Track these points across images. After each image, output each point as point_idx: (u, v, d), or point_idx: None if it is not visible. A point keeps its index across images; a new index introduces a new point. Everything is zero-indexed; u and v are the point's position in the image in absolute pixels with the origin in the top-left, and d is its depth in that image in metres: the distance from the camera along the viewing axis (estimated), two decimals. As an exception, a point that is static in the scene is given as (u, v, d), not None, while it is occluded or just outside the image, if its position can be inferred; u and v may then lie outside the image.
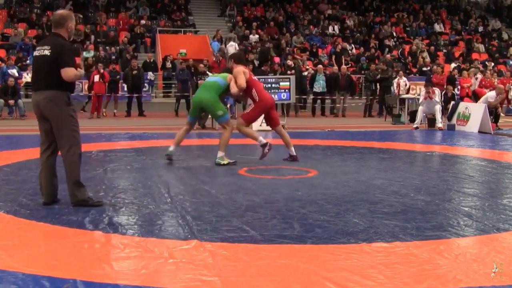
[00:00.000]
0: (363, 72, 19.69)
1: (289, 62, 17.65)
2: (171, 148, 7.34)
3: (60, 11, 5.06)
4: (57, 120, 4.68)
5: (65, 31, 4.78)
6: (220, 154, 7.14)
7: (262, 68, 17.15)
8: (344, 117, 16.97)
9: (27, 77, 16.31)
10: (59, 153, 4.87)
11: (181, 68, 16.92)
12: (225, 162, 7.08)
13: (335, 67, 18.21)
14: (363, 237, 3.85)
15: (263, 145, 7.21)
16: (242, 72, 7.16)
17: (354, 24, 25.39)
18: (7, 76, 15.29)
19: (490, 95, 13.19)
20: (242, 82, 7.11)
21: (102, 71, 15.55)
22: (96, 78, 15.43)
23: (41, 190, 4.85)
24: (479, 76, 18.23)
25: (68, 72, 4.58)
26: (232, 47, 20.82)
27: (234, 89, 7.17)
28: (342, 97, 17.34)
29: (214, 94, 7.20)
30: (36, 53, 4.80)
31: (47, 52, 4.65)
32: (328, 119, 16.22)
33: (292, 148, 7.46)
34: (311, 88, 17.43)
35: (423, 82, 15.04)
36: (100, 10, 23.57)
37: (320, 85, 17.07)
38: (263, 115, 7.72)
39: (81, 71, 4.97)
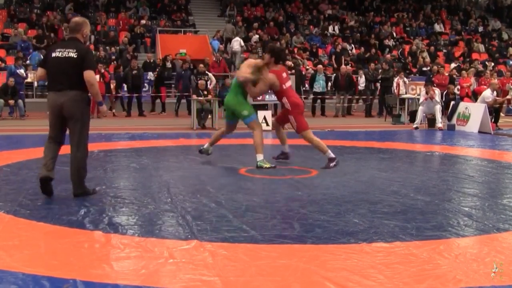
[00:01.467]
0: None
1: (289, 62, 17.65)
2: (206, 146, 7.54)
3: (76, 18, 5.29)
4: (79, 120, 5.00)
5: (81, 36, 5.07)
6: (260, 157, 6.83)
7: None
8: (344, 117, 16.98)
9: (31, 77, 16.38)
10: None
11: (184, 69, 16.90)
12: (267, 165, 6.76)
13: (344, 67, 18.15)
14: (363, 237, 3.85)
15: (331, 159, 6.92)
16: (247, 66, 6.93)
17: (354, 24, 25.38)
18: (15, 76, 15.27)
19: (486, 95, 13.14)
20: (242, 73, 6.85)
21: (102, 71, 15.55)
22: (96, 78, 15.41)
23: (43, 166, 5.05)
24: (472, 79, 18.17)
25: (90, 74, 4.89)
26: (237, 42, 20.86)
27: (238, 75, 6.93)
28: (342, 97, 17.36)
29: (235, 95, 6.98)
30: (57, 54, 4.96)
31: (72, 55, 4.88)
32: (328, 119, 16.22)
33: (287, 146, 7.44)
34: (311, 88, 17.44)
35: (423, 82, 15.03)
36: (100, 10, 23.57)
37: (320, 85, 17.07)
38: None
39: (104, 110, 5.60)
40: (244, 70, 6.88)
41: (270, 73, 6.86)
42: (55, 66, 4.98)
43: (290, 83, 7.15)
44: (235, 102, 6.99)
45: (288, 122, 7.31)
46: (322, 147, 7.01)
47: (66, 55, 4.90)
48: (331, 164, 6.90)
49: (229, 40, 21.93)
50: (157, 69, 17.85)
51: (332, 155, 6.95)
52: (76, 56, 4.87)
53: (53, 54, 4.98)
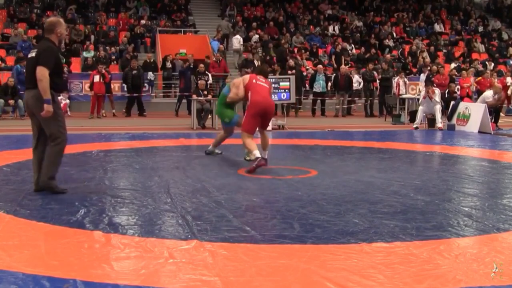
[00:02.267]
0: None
1: (291, 62, 17.65)
2: (210, 148, 8.08)
3: (50, 19, 5.51)
4: (43, 117, 5.04)
5: (55, 36, 5.24)
6: (253, 152, 6.85)
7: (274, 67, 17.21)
8: (344, 117, 16.99)
9: None
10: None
11: (186, 67, 16.90)
12: (249, 157, 7.06)
13: (343, 67, 18.16)
14: (363, 237, 3.85)
15: (256, 159, 6.64)
16: (233, 85, 7.33)
17: (357, 23, 25.38)
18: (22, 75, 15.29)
19: (487, 95, 13.17)
20: (231, 94, 7.33)
21: (103, 71, 15.56)
22: (96, 78, 15.43)
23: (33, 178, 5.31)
24: (472, 79, 18.15)
25: (40, 70, 4.97)
26: (237, 40, 20.89)
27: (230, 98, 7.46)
28: (342, 98, 17.36)
29: (220, 104, 7.89)
30: (29, 55, 5.31)
31: (33, 54, 5.14)
32: (328, 119, 16.22)
33: (266, 153, 6.96)
34: (311, 88, 17.44)
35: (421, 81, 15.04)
36: (100, 10, 23.55)
37: (320, 85, 17.08)
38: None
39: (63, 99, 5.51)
40: (232, 92, 7.41)
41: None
42: (26, 66, 5.32)
43: (262, 81, 7.02)
44: (218, 112, 8.06)
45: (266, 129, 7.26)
46: (250, 148, 6.74)
47: (31, 56, 5.18)
48: (255, 164, 6.58)
49: (226, 36, 21.98)
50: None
51: (258, 155, 6.60)
52: (35, 55, 5.09)
53: (28, 55, 5.31)
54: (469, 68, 20.09)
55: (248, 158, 7.18)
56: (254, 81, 7.01)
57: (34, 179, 5.27)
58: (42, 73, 4.98)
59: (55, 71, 5.15)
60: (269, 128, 11.38)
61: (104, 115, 15.92)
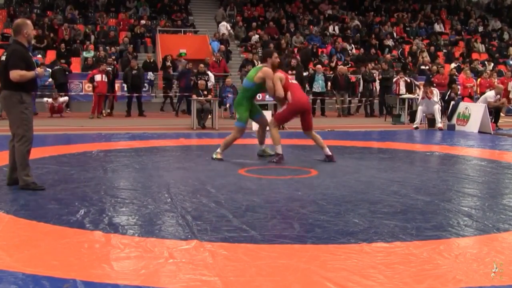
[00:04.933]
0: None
1: (293, 62, 17.63)
2: (262, 147, 7.96)
3: (17, 21, 5.67)
4: (10, 116, 5.38)
5: (23, 37, 5.44)
6: (219, 150, 7.54)
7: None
8: (346, 117, 17.00)
9: None
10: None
11: (185, 68, 16.88)
12: (215, 156, 7.47)
13: (342, 67, 18.17)
14: (363, 237, 3.85)
15: (277, 154, 7.33)
16: (279, 79, 7.32)
17: (354, 24, 25.38)
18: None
19: (489, 94, 13.20)
20: (280, 91, 7.29)
21: (106, 69, 15.57)
22: (98, 77, 15.43)
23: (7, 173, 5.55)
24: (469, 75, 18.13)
25: (13, 74, 5.22)
26: (224, 27, 21.00)
27: (277, 94, 7.36)
28: (342, 98, 17.36)
29: (241, 97, 7.68)
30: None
31: (3, 58, 5.36)
32: (328, 119, 16.22)
33: (327, 149, 7.53)
34: (311, 88, 17.44)
35: (423, 82, 15.04)
36: (100, 10, 23.54)
37: (319, 85, 17.07)
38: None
39: (41, 71, 5.69)
40: (279, 88, 7.31)
41: (276, 73, 7.40)
42: None
43: (294, 80, 7.68)
44: (236, 104, 7.76)
45: (311, 128, 7.61)
46: (276, 142, 7.35)
47: (2, 59, 5.37)
48: (275, 159, 7.29)
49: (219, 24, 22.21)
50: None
51: (280, 152, 7.28)
52: (4, 59, 5.33)
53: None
54: (469, 68, 20.09)
55: (215, 156, 7.42)
56: (289, 80, 7.47)
57: (7, 175, 5.53)
58: (15, 75, 5.21)
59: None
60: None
61: (104, 115, 15.92)
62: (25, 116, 5.35)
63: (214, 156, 7.51)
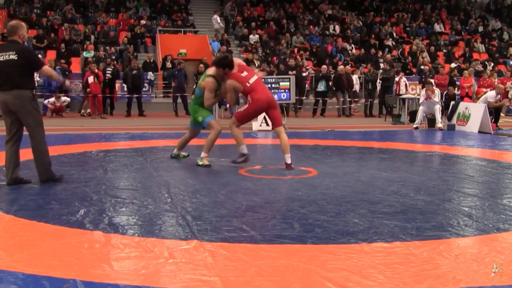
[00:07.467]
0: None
1: (292, 62, 17.64)
2: (175, 152, 7.73)
3: (12, 22, 5.70)
4: (24, 115, 5.38)
5: (18, 38, 5.45)
6: (203, 154, 7.10)
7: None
8: (348, 117, 17.00)
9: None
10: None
11: (179, 69, 16.90)
12: (201, 163, 7.02)
13: (342, 67, 18.17)
14: (363, 237, 3.85)
15: (242, 155, 6.98)
16: (232, 88, 6.92)
17: (354, 24, 25.38)
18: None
19: (490, 95, 13.21)
20: (207, 102, 7.05)
21: (96, 71, 15.58)
22: (91, 79, 15.45)
23: (6, 173, 5.56)
24: (472, 79, 18.14)
25: (47, 69, 5.56)
26: (215, 20, 21.00)
27: (205, 104, 7.12)
28: (342, 99, 17.36)
29: (194, 103, 7.37)
30: (1, 57, 5.38)
31: (13, 57, 5.31)
32: (328, 119, 16.22)
33: (288, 155, 6.84)
34: (315, 88, 17.47)
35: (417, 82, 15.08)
36: (100, 10, 23.55)
37: (322, 84, 17.10)
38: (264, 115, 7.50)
39: (68, 83, 5.75)
40: (207, 98, 7.06)
41: (228, 79, 6.93)
42: (3, 68, 5.38)
43: (255, 78, 6.98)
44: (193, 110, 7.40)
45: (280, 124, 7.11)
46: (239, 142, 7.01)
47: (7, 58, 5.32)
48: (239, 160, 7.00)
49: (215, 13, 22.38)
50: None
51: (245, 151, 6.95)
52: (17, 58, 5.30)
53: (1, 57, 5.40)
54: (469, 68, 20.10)
55: (201, 163, 7.00)
56: (252, 77, 6.96)
57: (8, 173, 5.51)
58: (48, 71, 5.56)
59: (33, 71, 5.53)
60: (269, 128, 11.41)
61: (104, 117, 15.91)
62: (38, 113, 5.55)
63: (200, 162, 7.05)
